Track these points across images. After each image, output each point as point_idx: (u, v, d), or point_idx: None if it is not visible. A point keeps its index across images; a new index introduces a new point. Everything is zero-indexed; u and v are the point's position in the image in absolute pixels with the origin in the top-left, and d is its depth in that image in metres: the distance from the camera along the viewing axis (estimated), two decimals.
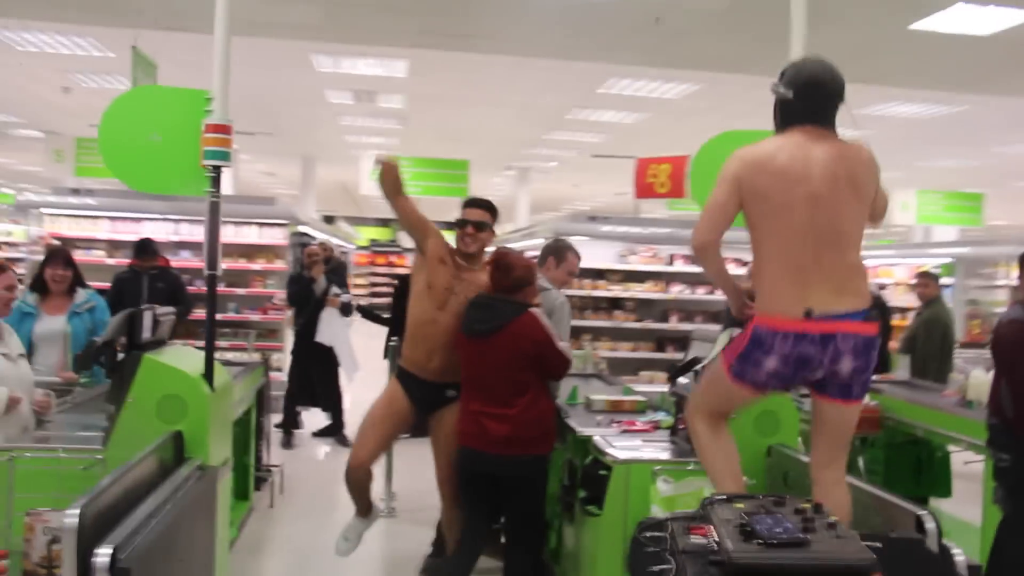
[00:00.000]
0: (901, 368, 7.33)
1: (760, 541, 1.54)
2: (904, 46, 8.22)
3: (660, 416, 4.77)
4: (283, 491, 6.73)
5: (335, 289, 8.23)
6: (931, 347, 8.04)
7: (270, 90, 12.48)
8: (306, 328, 8.16)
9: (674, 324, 10.24)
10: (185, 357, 3.94)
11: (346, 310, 8.25)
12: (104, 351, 3.65)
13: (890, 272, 14.27)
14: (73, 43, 9.87)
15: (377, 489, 4.96)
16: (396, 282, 9.02)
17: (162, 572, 2.84)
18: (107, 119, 3.76)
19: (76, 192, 9.95)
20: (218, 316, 9.04)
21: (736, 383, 3.05)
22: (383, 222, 34.19)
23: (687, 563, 1.64)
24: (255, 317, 10.03)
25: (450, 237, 4.55)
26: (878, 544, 1.70)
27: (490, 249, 4.63)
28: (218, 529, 3.83)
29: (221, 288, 9.67)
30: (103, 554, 2.44)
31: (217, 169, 3.79)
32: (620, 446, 4.11)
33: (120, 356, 3.70)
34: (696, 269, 8.90)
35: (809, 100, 3.06)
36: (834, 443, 3.12)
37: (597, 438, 4.26)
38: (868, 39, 7.98)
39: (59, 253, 5.33)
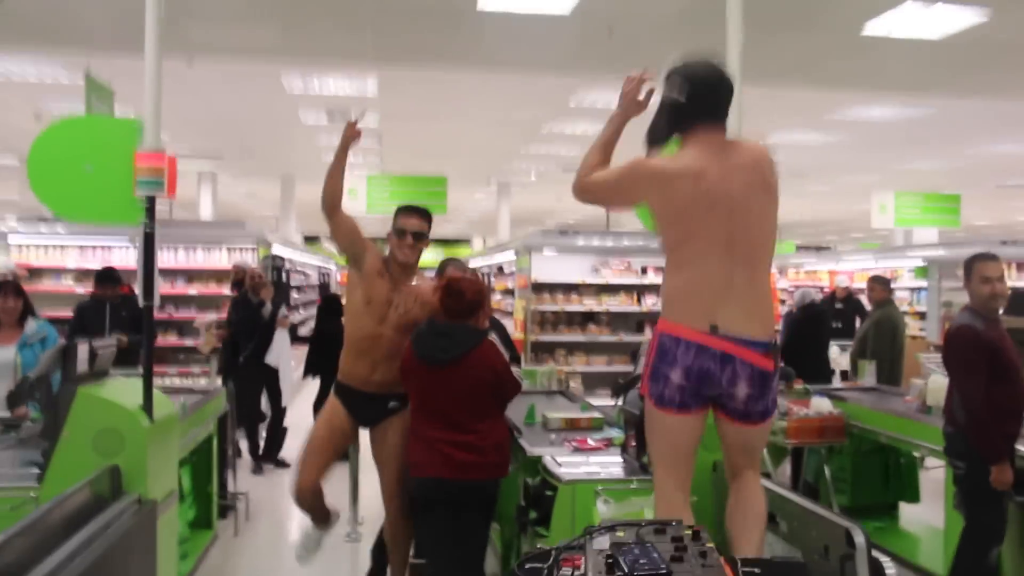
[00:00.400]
0: (868, 375, 7.32)
1: (622, 573, 1.52)
2: (859, 51, 8.26)
3: (614, 433, 4.75)
4: (248, 518, 6.68)
5: (283, 310, 8.34)
6: (882, 347, 8.18)
7: (243, 112, 12.48)
8: (256, 351, 8.14)
9: (649, 336, 10.22)
10: (125, 389, 3.90)
11: (293, 330, 8.34)
12: (38, 386, 3.62)
13: (866, 276, 14.29)
14: (40, 71, 9.85)
15: (342, 509, 4.91)
16: (320, 301, 9.06)
17: None
18: (36, 149, 3.75)
19: (44, 220, 9.91)
20: (189, 343, 9.16)
21: (660, 410, 2.93)
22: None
23: None
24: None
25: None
26: (756, 570, 1.67)
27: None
28: (160, 565, 3.79)
29: (190, 313, 9.73)
30: None
31: (151, 199, 3.76)
32: (568, 465, 4.10)
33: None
34: None
35: (705, 100, 2.97)
36: (741, 458, 3.06)
37: (547, 458, 4.25)
38: (824, 44, 8.02)
39: (7, 284, 5.29)
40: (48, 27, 7.47)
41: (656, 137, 3.09)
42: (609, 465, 4.15)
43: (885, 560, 2.77)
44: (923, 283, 12.78)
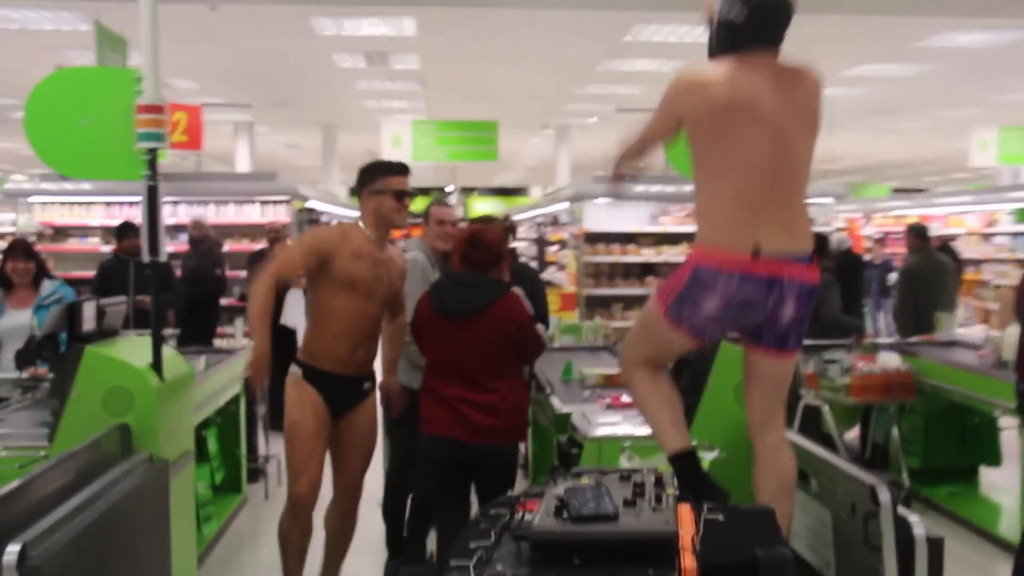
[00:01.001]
0: (946, 327, 7.27)
1: (567, 516, 1.63)
2: None
3: None
4: (280, 483, 6.95)
5: None
6: (905, 300, 8.25)
7: (273, 58, 12.72)
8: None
9: None
10: (135, 348, 4.11)
11: None
12: (45, 345, 3.85)
13: (961, 221, 14.02)
14: (58, 17, 10.16)
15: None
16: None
17: (90, 570, 3.01)
18: (32, 104, 3.95)
19: (66, 177, 10.26)
20: (223, 301, 9.44)
21: (673, 327, 3.01)
22: (421, 192, 34.46)
23: (505, 539, 1.74)
24: None
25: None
26: (719, 517, 1.77)
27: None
28: (176, 523, 4.01)
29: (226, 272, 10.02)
30: (10, 552, 2.58)
31: (152, 152, 3.94)
32: (597, 423, 4.22)
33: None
34: None
35: (762, 21, 2.99)
36: (771, 400, 3.13)
37: (576, 415, 4.38)
38: None
39: (18, 245, 5.57)
40: None
41: (712, 55, 3.12)
42: (639, 422, 4.25)
43: (914, 519, 2.83)
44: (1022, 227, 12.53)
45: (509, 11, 10.03)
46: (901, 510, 2.85)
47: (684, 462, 2.86)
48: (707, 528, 1.70)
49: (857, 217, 16.45)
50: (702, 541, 1.67)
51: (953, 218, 14.06)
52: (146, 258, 4.07)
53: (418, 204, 5.65)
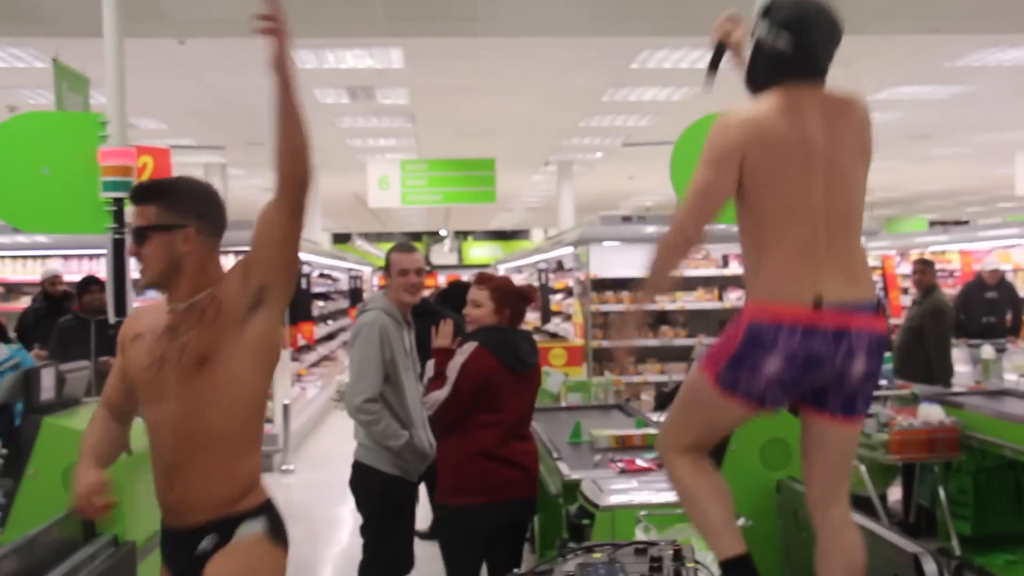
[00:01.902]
0: (994, 376, 7.27)
1: None
2: None
3: None
4: None
5: None
6: (938, 338, 8.45)
7: (249, 95, 12.82)
8: None
9: None
10: None
11: None
12: None
13: (1007, 256, 14.07)
14: (10, 55, 10.28)
15: None
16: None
17: None
18: None
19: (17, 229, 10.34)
20: None
21: (726, 397, 2.93)
22: (412, 237, 34.64)
23: None
24: None
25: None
26: None
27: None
28: None
29: None
30: None
31: (119, 201, 3.99)
32: (610, 490, 4.21)
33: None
34: None
35: (808, 47, 2.97)
36: (836, 473, 3.05)
37: (586, 482, 4.37)
38: None
39: None
40: (11, 6, 7.80)
41: (754, 87, 3.09)
42: (658, 487, 4.24)
43: None
44: None
45: (505, 40, 10.15)
46: None
47: (739, 569, 2.79)
48: None
49: (891, 254, 16.50)
50: None
51: (999, 252, 14.11)
52: (112, 318, 4.09)
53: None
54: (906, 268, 16.20)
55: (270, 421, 10.19)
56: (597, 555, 1.86)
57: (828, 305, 2.84)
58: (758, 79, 3.06)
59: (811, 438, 3.06)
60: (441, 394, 4.34)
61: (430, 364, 4.54)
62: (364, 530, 4.87)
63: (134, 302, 9.02)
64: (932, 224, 29.10)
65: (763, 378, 2.86)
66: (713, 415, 3.02)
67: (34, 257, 10.46)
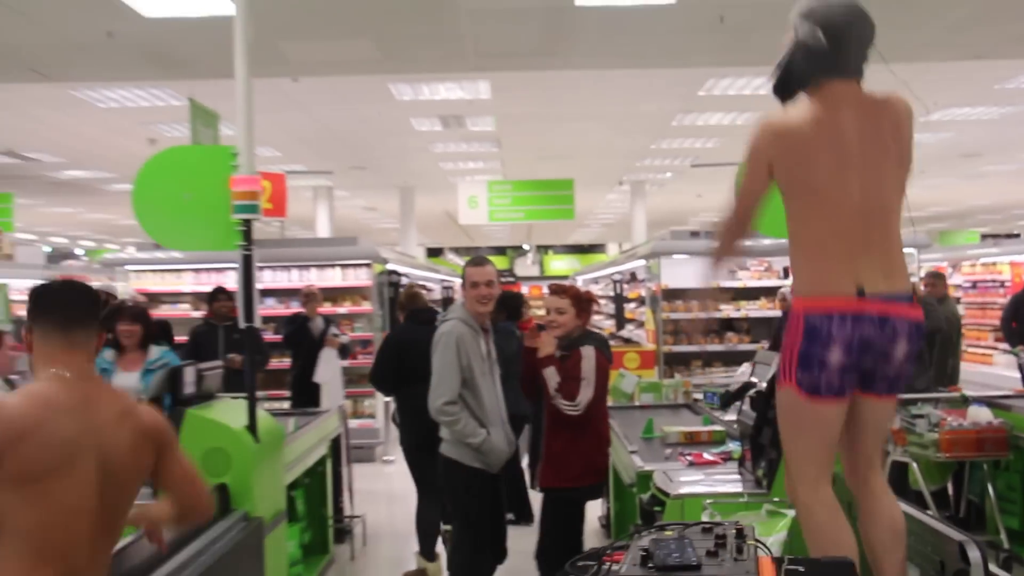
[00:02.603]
0: None
1: (652, 566, 1.75)
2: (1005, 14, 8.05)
3: (732, 447, 4.91)
4: (366, 542, 7.12)
5: (333, 329, 8.83)
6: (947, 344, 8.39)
7: (354, 123, 13.15)
8: (304, 369, 8.57)
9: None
10: (231, 410, 4.35)
11: (344, 352, 8.88)
12: None
13: None
14: (151, 95, 10.72)
15: None
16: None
17: None
18: (140, 182, 4.25)
19: (159, 246, 10.74)
20: None
21: (812, 399, 2.91)
22: (498, 251, 34.86)
23: None
24: (344, 363, 10.55)
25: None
26: (800, 568, 1.86)
27: None
28: None
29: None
30: None
31: (247, 222, 4.20)
32: (679, 480, 4.29)
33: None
34: None
35: (844, 47, 2.93)
36: (875, 445, 3.10)
37: (658, 473, 4.46)
38: (963, 13, 7.88)
39: (125, 310, 5.91)
40: (155, 55, 8.19)
41: (788, 88, 3.08)
42: (723, 479, 4.32)
43: None
44: None
45: (583, 71, 10.28)
46: (993, 568, 2.85)
47: None
48: None
49: (943, 265, 16.21)
50: None
51: None
52: (243, 323, 4.30)
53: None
54: (959, 279, 15.93)
55: (372, 417, 10.47)
56: (668, 533, 1.97)
57: (868, 295, 2.87)
58: (797, 79, 3.03)
59: (856, 418, 3.05)
60: (588, 393, 4.70)
61: (550, 371, 4.74)
62: (452, 518, 5.00)
63: (260, 311, 9.43)
64: (984, 237, 28.38)
65: (833, 368, 2.87)
66: (814, 427, 2.96)
67: (171, 271, 10.87)
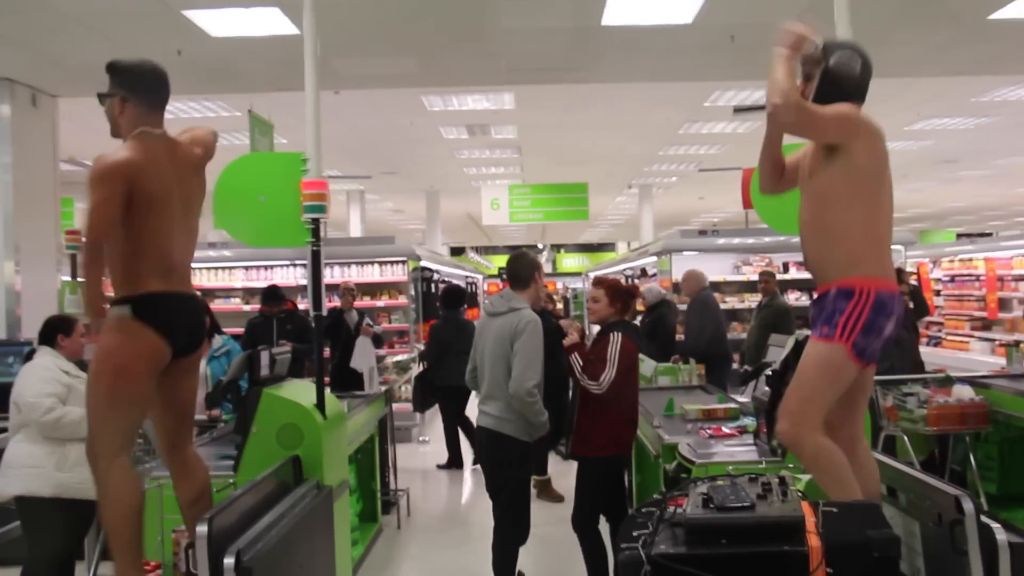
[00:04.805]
0: (1017, 362, 7.28)
1: (714, 506, 1.89)
2: (988, 35, 8.13)
3: (747, 421, 5.05)
4: (410, 514, 7.28)
5: (367, 320, 9.16)
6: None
7: (389, 133, 13.27)
8: (343, 358, 8.75)
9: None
10: (300, 390, 4.50)
11: (378, 341, 9.21)
12: (229, 389, 4.24)
13: None
14: (203, 107, 10.87)
15: None
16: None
17: (281, 574, 3.35)
18: (220, 186, 4.40)
19: (212, 245, 10.91)
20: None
21: (856, 362, 3.12)
22: (514, 249, 34.86)
23: (661, 527, 2.00)
24: (381, 352, 10.69)
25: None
26: (833, 508, 2.00)
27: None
28: (338, 543, 4.35)
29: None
30: (229, 557, 2.95)
31: (316, 221, 4.35)
32: (702, 451, 4.43)
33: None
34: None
35: (866, 78, 3.30)
36: (863, 410, 3.44)
37: (683, 444, 4.59)
38: (949, 34, 7.98)
39: None
40: (217, 72, 8.34)
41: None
42: (741, 449, 4.46)
43: (996, 526, 2.98)
44: None
45: (598, 84, 10.40)
46: (983, 518, 2.99)
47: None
48: (826, 517, 1.95)
49: (925, 262, 16.30)
50: (823, 526, 1.92)
51: (1018, 260, 13.87)
52: (312, 312, 4.44)
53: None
54: (939, 273, 15.99)
55: (409, 401, 10.60)
56: (721, 481, 2.11)
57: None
58: (826, 97, 3.24)
59: (858, 385, 3.29)
60: (610, 374, 4.75)
61: (575, 357, 4.85)
62: (501, 494, 4.89)
63: (300, 303, 9.59)
64: (960, 236, 28.37)
65: (882, 338, 3.17)
66: (842, 384, 3.15)
67: (223, 268, 11.04)
